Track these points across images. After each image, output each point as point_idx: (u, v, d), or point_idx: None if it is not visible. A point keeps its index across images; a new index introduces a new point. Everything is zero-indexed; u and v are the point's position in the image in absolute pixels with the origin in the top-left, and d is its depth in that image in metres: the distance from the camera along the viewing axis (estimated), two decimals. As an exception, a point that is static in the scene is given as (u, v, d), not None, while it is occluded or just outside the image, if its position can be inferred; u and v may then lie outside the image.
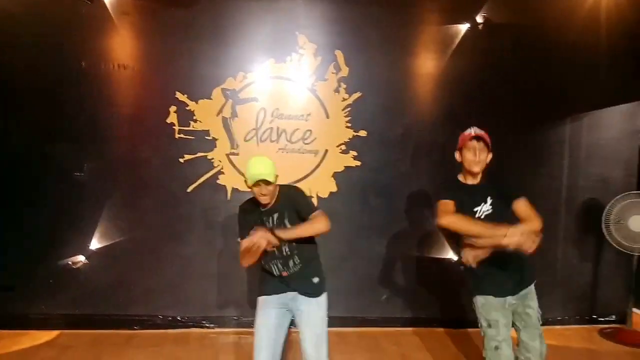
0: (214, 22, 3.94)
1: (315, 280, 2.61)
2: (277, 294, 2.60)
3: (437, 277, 4.26)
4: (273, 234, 2.38)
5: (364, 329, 4.21)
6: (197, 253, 4.04)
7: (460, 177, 2.69)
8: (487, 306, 2.59)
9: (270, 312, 2.58)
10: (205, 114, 3.98)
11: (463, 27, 4.14)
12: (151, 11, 3.94)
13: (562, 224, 4.44)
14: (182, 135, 3.97)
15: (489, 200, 2.57)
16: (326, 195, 4.15)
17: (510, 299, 2.59)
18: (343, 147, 4.13)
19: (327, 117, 4.11)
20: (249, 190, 2.52)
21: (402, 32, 4.14)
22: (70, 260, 3.95)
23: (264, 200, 2.49)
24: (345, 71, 4.07)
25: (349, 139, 4.13)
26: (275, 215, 2.55)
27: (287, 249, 2.54)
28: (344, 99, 4.10)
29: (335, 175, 4.15)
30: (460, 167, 2.67)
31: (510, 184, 2.70)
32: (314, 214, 2.52)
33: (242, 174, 3.97)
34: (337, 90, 4.09)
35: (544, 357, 2.66)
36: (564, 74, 4.27)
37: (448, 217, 2.48)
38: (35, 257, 3.93)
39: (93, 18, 3.85)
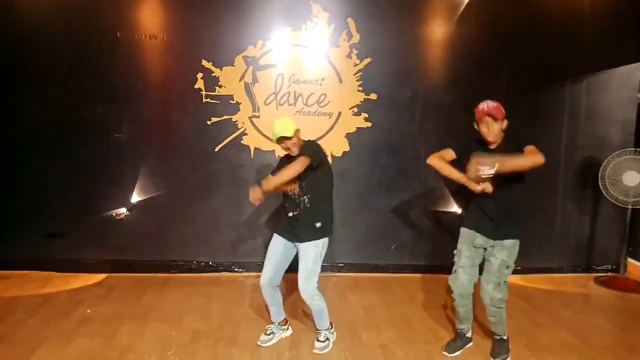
0: (234, -7, 4.24)
1: (318, 224, 3.04)
2: (285, 238, 3.10)
3: (441, 228, 4.60)
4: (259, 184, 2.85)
5: (375, 274, 4.61)
6: (225, 205, 4.45)
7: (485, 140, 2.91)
8: (462, 237, 3.05)
9: (279, 240, 3.12)
10: (229, 80, 4.33)
11: (468, -5, 4.37)
12: (178, -15, 4.26)
13: (562, 181, 4.71)
14: (208, 100, 4.33)
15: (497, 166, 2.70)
16: (340, 155, 4.50)
17: (479, 239, 2.96)
18: (355, 109, 4.45)
19: (340, 81, 4.42)
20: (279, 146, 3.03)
21: (409, 0, 4.38)
22: (113, 212, 4.43)
23: (290, 152, 3.00)
24: (356, 38, 4.35)
25: (361, 102, 4.44)
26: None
27: (299, 192, 3.01)
28: (356, 64, 4.39)
29: (348, 135, 4.48)
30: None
31: (520, 140, 2.87)
32: (297, 159, 2.90)
33: (265, 136, 4.40)
34: (349, 56, 4.38)
35: (495, 303, 2.95)
36: (563, 38, 4.47)
37: (431, 158, 2.98)
38: (82, 209, 4.40)
39: (126, -8, 4.19)
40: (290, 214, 3.04)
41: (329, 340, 3.21)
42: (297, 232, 3.05)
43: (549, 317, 3.78)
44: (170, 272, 4.48)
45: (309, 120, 4.42)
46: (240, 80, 4.35)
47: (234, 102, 4.36)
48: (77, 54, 4.24)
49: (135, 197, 4.43)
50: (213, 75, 4.31)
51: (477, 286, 3.06)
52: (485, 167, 2.65)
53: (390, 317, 3.71)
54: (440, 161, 2.96)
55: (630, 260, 4.70)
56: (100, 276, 4.38)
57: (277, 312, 3.27)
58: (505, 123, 2.91)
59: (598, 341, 3.39)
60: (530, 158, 2.71)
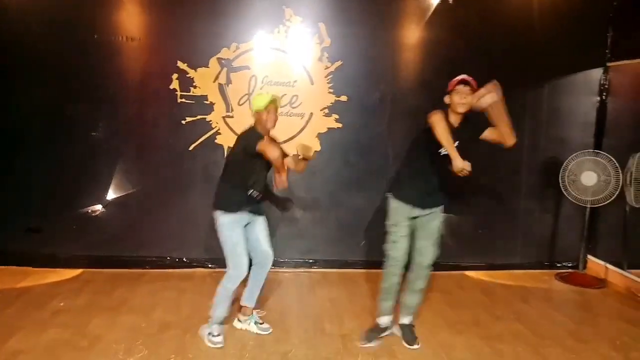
0: (208, -2, 4.38)
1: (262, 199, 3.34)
2: (244, 214, 3.23)
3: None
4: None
5: (344, 270, 4.77)
6: (199, 203, 4.57)
7: (448, 114, 3.02)
8: (398, 210, 3.20)
9: (239, 229, 3.20)
10: (204, 81, 4.46)
11: (435, 1, 4.53)
12: (154, -12, 4.40)
13: (525, 180, 4.91)
14: (183, 100, 4.45)
15: (456, 143, 2.92)
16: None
17: (416, 211, 3.16)
18: (326, 110, 4.61)
19: (312, 83, 4.57)
20: (260, 117, 3.12)
21: (379, 6, 4.53)
22: (89, 209, 4.55)
23: (273, 125, 3.17)
24: (327, 42, 4.50)
25: (331, 103, 4.60)
26: None
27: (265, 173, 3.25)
28: (327, 67, 4.55)
29: (320, 135, 4.63)
30: (447, 108, 3.06)
31: (476, 126, 3.09)
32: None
33: (235, 132, 4.51)
34: (320, 59, 4.53)
35: (431, 263, 3.26)
36: (526, 43, 4.66)
37: (437, 116, 2.92)
38: (60, 205, 4.51)
39: (104, -5, 4.32)
40: (256, 195, 3.22)
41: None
42: (259, 209, 3.32)
43: (506, 310, 3.96)
44: (144, 267, 4.60)
45: (281, 120, 4.34)
46: (214, 81, 4.48)
47: (208, 102, 4.50)
48: (57, 54, 4.34)
49: (111, 194, 4.55)
50: (188, 76, 4.44)
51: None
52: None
53: (353, 309, 3.87)
54: (445, 126, 2.88)
55: (589, 257, 4.91)
56: (76, 271, 4.49)
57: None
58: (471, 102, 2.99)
59: (548, 332, 3.58)
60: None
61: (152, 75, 4.47)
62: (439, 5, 4.54)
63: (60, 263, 4.52)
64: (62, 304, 3.77)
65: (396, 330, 3.40)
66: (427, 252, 3.22)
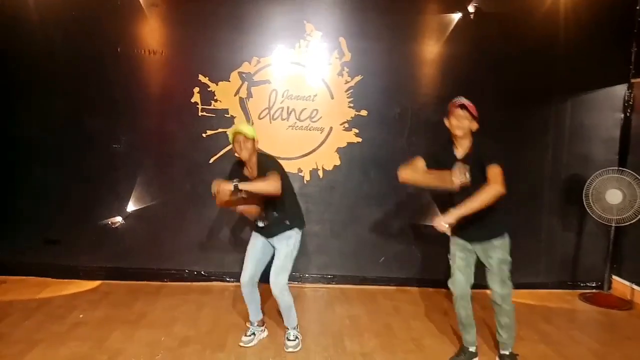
0: (232, 12, 4.41)
1: (287, 222, 3.28)
2: (262, 236, 3.32)
3: (428, 242, 4.68)
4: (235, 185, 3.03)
5: (363, 286, 4.71)
6: (218, 216, 4.58)
7: (453, 148, 3.03)
8: (452, 242, 3.19)
9: (258, 239, 3.32)
10: (225, 95, 4.48)
11: (456, 16, 4.51)
12: (177, 3, 4.45)
13: (547, 198, 4.82)
14: (204, 113, 4.48)
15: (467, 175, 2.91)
16: (331, 168, 4.63)
17: (469, 244, 3.12)
18: (346, 125, 4.59)
19: (332, 98, 4.57)
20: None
21: (400, 20, 4.53)
22: (109, 220, 4.56)
23: (247, 156, 3.13)
24: (348, 56, 4.51)
25: (351, 117, 4.59)
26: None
27: (265, 210, 3.26)
28: (347, 82, 4.55)
29: (339, 150, 4.62)
30: (450, 135, 3.05)
31: (487, 154, 2.91)
32: (270, 176, 3.07)
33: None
34: (340, 74, 4.54)
35: (505, 301, 3.10)
36: (549, 58, 4.60)
37: (402, 172, 3.05)
38: (79, 216, 4.54)
39: (126, 9, 4.36)
40: (261, 224, 3.27)
41: (298, 339, 3.38)
42: (270, 231, 3.30)
43: (530, 330, 3.86)
44: (163, 280, 4.60)
45: (301, 134, 4.57)
46: (235, 95, 4.50)
47: (229, 115, 4.51)
48: (79, 66, 4.41)
49: (131, 206, 4.57)
50: (209, 89, 4.47)
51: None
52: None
53: (374, 327, 3.81)
54: (412, 174, 3.05)
55: (614, 277, 4.79)
56: (95, 283, 4.50)
57: (256, 311, 3.45)
58: (475, 125, 2.99)
59: (574, 354, 3.48)
60: (490, 192, 2.81)
61: (174, 88, 4.50)
62: (460, 20, 4.53)
63: (79, 274, 4.55)
64: (81, 316, 3.77)
65: None
66: (493, 292, 3.10)
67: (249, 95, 4.51)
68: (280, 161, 4.44)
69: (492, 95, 4.61)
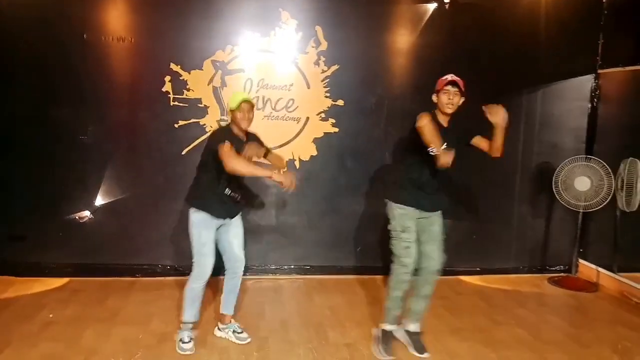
0: (203, -2, 4.28)
1: (243, 202, 3.29)
2: (220, 218, 3.14)
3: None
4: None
5: (340, 276, 4.70)
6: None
7: (435, 114, 3.06)
8: (405, 216, 3.12)
9: (212, 230, 3.12)
10: (197, 84, 4.35)
11: (431, 6, 4.54)
12: (147, -12, 4.27)
13: (518, 185, 4.94)
14: (176, 103, 4.33)
15: (446, 145, 2.90)
16: (307, 159, 4.58)
17: (421, 213, 3.13)
18: (322, 115, 4.55)
19: (308, 87, 4.51)
20: (234, 116, 3.04)
21: (377, 10, 4.50)
22: (77, 215, 4.37)
23: (247, 124, 3.06)
24: (324, 45, 4.45)
25: (328, 107, 4.55)
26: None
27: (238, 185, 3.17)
28: (323, 71, 4.50)
29: (316, 140, 4.57)
30: (435, 107, 3.11)
31: (468, 130, 3.15)
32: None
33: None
34: (317, 63, 4.48)
35: (440, 267, 3.21)
36: (520, 50, 4.70)
37: (425, 119, 2.83)
38: (45, 211, 4.32)
39: (94, -7, 4.16)
40: (235, 196, 3.14)
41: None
42: (234, 212, 3.21)
43: (505, 315, 3.96)
44: (135, 275, 4.45)
45: (277, 124, 4.50)
46: (208, 84, 4.38)
47: (202, 105, 4.38)
48: (44, 54, 4.18)
49: (100, 200, 4.39)
50: (181, 78, 4.32)
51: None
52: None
53: (355, 316, 3.81)
54: (432, 128, 2.82)
55: (581, 261, 4.97)
56: (63, 280, 4.31)
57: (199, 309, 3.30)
58: (462, 100, 3.07)
59: (550, 337, 3.59)
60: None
61: (144, 77, 4.33)
62: (435, 10, 4.55)
63: (46, 272, 4.34)
64: (51, 316, 3.60)
65: (401, 336, 3.35)
66: (435, 256, 3.18)
67: (223, 84, 4.39)
68: None
69: (466, 85, 4.65)
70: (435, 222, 3.20)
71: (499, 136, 3.01)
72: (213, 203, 3.08)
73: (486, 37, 4.64)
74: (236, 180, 3.15)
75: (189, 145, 4.40)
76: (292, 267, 4.72)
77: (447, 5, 4.53)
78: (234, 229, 3.24)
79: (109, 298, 3.98)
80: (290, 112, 4.51)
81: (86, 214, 4.40)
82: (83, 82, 4.24)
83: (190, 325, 3.21)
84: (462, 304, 4.19)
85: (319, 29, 4.43)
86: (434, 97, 3.08)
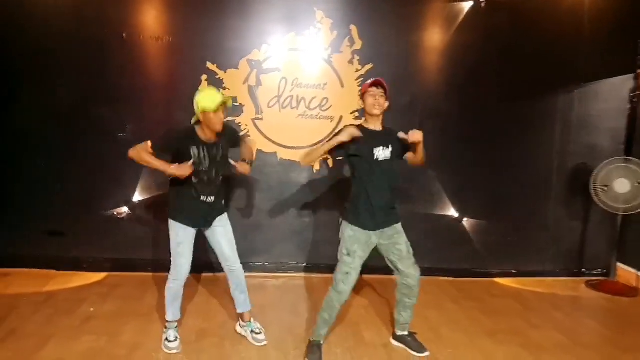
0: (240, -1, 4.31)
1: (222, 202, 3.26)
2: (198, 226, 3.14)
3: (439, 232, 4.75)
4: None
5: (375, 276, 4.54)
6: (228, 206, 4.50)
7: (363, 122, 3.04)
8: (353, 238, 2.98)
9: (189, 231, 3.12)
10: (233, 83, 4.39)
11: (467, 5, 4.49)
12: (185, -12, 4.32)
13: (554, 187, 4.85)
14: (212, 102, 4.40)
15: (390, 148, 2.98)
16: (340, 158, 4.58)
17: (374, 237, 3.02)
18: (356, 114, 4.53)
19: (342, 86, 4.51)
20: (207, 117, 2.88)
21: (411, 8, 4.48)
22: (115, 211, 4.46)
23: (219, 127, 2.94)
24: (359, 44, 4.45)
25: (362, 106, 4.52)
26: (216, 150, 3.04)
27: (215, 176, 3.07)
28: (357, 70, 4.49)
29: (349, 139, 4.58)
30: (362, 113, 3.11)
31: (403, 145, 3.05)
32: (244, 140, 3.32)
33: (267, 138, 4.46)
34: (351, 62, 4.47)
35: (418, 283, 3.12)
36: (557, 48, 4.61)
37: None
38: (84, 207, 4.42)
39: (133, -6, 4.23)
40: (208, 199, 3.09)
41: (263, 330, 3.33)
42: (213, 216, 3.17)
43: (542, 319, 3.90)
44: (169, 271, 4.50)
45: (311, 123, 4.51)
46: (244, 83, 4.41)
47: (238, 104, 4.42)
48: (83, 54, 4.26)
49: (137, 196, 4.47)
50: (217, 77, 4.36)
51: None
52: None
53: (390, 317, 3.79)
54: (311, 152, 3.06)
55: (619, 264, 4.85)
56: (101, 275, 4.40)
57: (180, 307, 3.30)
58: (387, 104, 3.01)
59: (588, 341, 3.53)
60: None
61: (181, 76, 4.39)
62: (470, 9, 4.50)
63: (84, 267, 4.44)
64: (92, 310, 3.68)
65: (397, 345, 3.33)
66: (412, 272, 3.09)
67: (258, 83, 4.43)
68: (290, 150, 4.49)
69: (501, 85, 4.64)
70: (398, 240, 3.06)
71: (419, 151, 3.03)
72: (186, 211, 3.07)
73: (522, 37, 4.57)
74: (211, 183, 3.09)
75: (224, 143, 4.42)
76: (325, 265, 4.72)
77: (482, 4, 4.48)
78: (220, 229, 3.21)
79: (147, 294, 4.04)
80: (324, 111, 4.52)
81: (124, 210, 4.48)
82: (121, 81, 4.32)
83: (175, 324, 3.24)
84: (497, 307, 4.14)
85: (353, 27, 4.42)
86: (359, 103, 3.07)
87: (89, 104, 4.33)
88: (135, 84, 4.35)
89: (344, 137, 2.83)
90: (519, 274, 4.82)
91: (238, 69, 4.39)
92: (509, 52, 4.57)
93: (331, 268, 4.58)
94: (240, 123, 4.43)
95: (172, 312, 3.21)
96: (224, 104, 2.92)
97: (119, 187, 4.44)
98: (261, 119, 4.46)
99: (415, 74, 4.59)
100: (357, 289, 4.35)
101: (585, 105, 4.78)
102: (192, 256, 3.16)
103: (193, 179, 2.99)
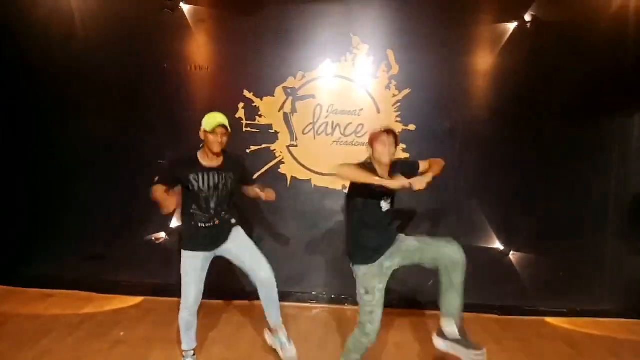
0: (277, 27, 4.36)
1: (233, 220, 3.23)
2: (207, 251, 3.11)
3: (480, 264, 4.44)
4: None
5: (412, 310, 4.44)
6: (261, 233, 4.48)
7: (375, 167, 2.91)
8: (368, 275, 2.86)
9: (197, 259, 3.12)
10: (269, 110, 4.42)
11: (511, 26, 4.29)
12: (223, 18, 4.43)
13: (611, 218, 4.49)
14: (248, 129, 4.42)
15: (388, 200, 2.92)
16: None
17: (387, 261, 2.89)
18: (393, 140, 4.42)
19: (378, 112, 4.42)
20: (207, 138, 2.98)
21: (450, 31, 4.34)
22: (153, 236, 4.56)
23: (218, 148, 2.94)
24: (395, 69, 4.36)
25: (399, 132, 4.38)
26: (218, 176, 3.02)
27: (216, 202, 3.07)
28: (394, 95, 4.39)
29: (386, 166, 4.45)
30: (369, 159, 2.97)
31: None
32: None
33: (302, 165, 4.42)
34: (388, 87, 4.38)
35: (463, 255, 2.81)
36: (610, 68, 4.30)
37: (343, 166, 2.82)
38: (124, 232, 4.56)
39: (174, 25, 4.37)
40: (210, 224, 3.07)
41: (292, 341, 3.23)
42: (222, 237, 3.12)
43: (596, 366, 3.54)
44: (206, 298, 4.51)
45: (346, 150, 4.43)
46: (279, 110, 4.43)
47: (273, 131, 4.44)
48: (125, 83, 4.45)
49: (175, 222, 4.53)
50: (254, 105, 4.41)
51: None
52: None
53: (424, 356, 3.57)
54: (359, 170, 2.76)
55: (687, 306, 4.36)
56: (138, 299, 4.47)
57: (195, 336, 3.28)
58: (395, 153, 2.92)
59: (650, 395, 3.14)
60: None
61: (219, 104, 4.36)
62: (515, 30, 4.29)
63: (123, 290, 4.53)
64: (122, 334, 3.72)
65: (449, 349, 2.95)
66: (443, 249, 2.82)
67: (294, 110, 4.42)
68: (325, 178, 4.42)
69: (549, 109, 4.38)
70: (404, 241, 2.95)
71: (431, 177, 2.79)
72: (193, 238, 3.10)
73: (571, 56, 4.31)
74: (212, 210, 3.07)
75: (260, 170, 4.45)
76: (351, 298, 4.55)
77: (528, 24, 4.26)
78: (233, 248, 3.19)
79: (177, 319, 4.04)
80: (360, 137, 4.43)
81: (162, 235, 4.56)
82: (162, 109, 4.46)
83: (192, 352, 3.24)
84: (545, 350, 3.80)
85: (390, 52, 4.34)
86: (368, 149, 2.96)
87: (131, 131, 4.49)
88: (175, 112, 4.48)
89: (395, 186, 2.70)
90: (572, 314, 4.41)
91: (274, 96, 4.42)
92: (557, 73, 4.33)
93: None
94: (275, 150, 4.43)
95: (187, 341, 3.22)
96: (222, 127, 2.95)
97: (157, 213, 4.48)
98: (296, 146, 4.44)
99: (455, 99, 4.43)
100: (390, 323, 4.18)
101: (646, 129, 4.41)
102: (202, 285, 3.16)
103: (193, 206, 3.04)
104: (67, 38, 4.43)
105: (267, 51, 4.38)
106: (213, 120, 2.95)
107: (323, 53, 4.38)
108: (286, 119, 4.43)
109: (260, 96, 4.41)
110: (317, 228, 4.53)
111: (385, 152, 2.86)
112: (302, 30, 4.38)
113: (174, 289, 4.44)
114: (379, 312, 2.86)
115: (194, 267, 3.10)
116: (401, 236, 3.01)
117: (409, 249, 2.92)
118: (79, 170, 4.55)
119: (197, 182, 2.99)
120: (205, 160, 3.03)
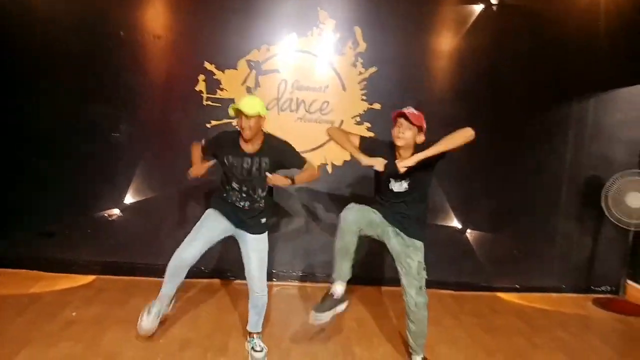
0: (242, -4, 4.17)
1: (263, 220, 3.11)
2: (230, 220, 3.04)
3: (441, 244, 4.52)
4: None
5: (371, 287, 4.50)
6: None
7: (396, 153, 2.92)
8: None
9: (220, 223, 3.07)
10: (231, 83, 4.26)
11: (478, 8, 4.31)
12: (184, -16, 4.20)
13: (564, 200, 4.66)
14: (209, 103, 4.25)
15: (400, 181, 2.90)
16: (340, 164, 4.42)
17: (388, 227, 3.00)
18: (358, 118, 4.38)
19: (344, 89, 4.36)
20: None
21: (418, 10, 4.31)
22: (106, 213, 4.35)
23: (246, 134, 2.86)
24: (362, 47, 4.29)
25: (364, 111, 4.38)
26: (252, 160, 2.94)
27: (246, 188, 2.99)
28: (361, 73, 4.33)
29: (349, 144, 4.41)
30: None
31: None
32: (306, 165, 3.09)
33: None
34: (354, 65, 4.32)
35: (419, 308, 2.94)
36: (572, 55, 4.42)
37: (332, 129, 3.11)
38: (74, 208, 4.30)
39: (131, -10, 4.12)
40: (241, 205, 3.01)
41: (265, 349, 3.10)
42: (247, 222, 3.04)
43: (546, 338, 3.70)
44: (161, 276, 4.32)
45: (310, 127, 4.36)
46: (242, 84, 4.28)
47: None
48: (79, 52, 4.15)
49: (129, 198, 4.35)
50: (215, 77, 4.24)
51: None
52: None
53: (382, 331, 3.62)
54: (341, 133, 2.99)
55: (630, 282, 4.63)
56: (89, 278, 4.26)
57: (174, 302, 3.26)
58: (422, 138, 2.87)
59: (596, 365, 3.32)
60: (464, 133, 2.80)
61: (178, 75, 4.28)
62: (481, 12, 4.32)
63: (73, 269, 4.30)
64: (74, 314, 3.55)
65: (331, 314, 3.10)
66: (408, 294, 3.02)
67: (257, 84, 4.29)
68: None
69: (511, 91, 4.46)
70: (410, 254, 3.00)
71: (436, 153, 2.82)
72: (220, 199, 3.08)
73: (535, 41, 4.39)
74: (243, 193, 3.01)
75: (221, 145, 4.30)
76: (319, 274, 4.56)
77: (494, 7, 4.29)
78: (247, 245, 3.08)
79: (132, 298, 3.89)
80: (325, 114, 4.37)
81: (115, 211, 4.36)
82: (117, 80, 4.20)
83: (164, 301, 3.20)
84: (499, 324, 3.95)
85: (357, 29, 4.27)
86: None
87: (83, 103, 4.21)
88: (131, 83, 4.23)
89: (377, 166, 2.76)
90: (524, 289, 4.61)
91: (237, 69, 4.26)
92: (521, 57, 4.39)
93: (324, 278, 4.50)
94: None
95: (165, 289, 3.16)
96: (239, 111, 2.83)
97: (111, 188, 4.33)
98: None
99: (421, 79, 4.43)
100: (352, 300, 4.20)
101: (600, 114, 4.60)
102: (201, 249, 3.07)
103: (227, 185, 3.01)
104: (20, 8, 4.08)
105: (230, 22, 4.20)
106: (235, 105, 2.87)
107: (289, 27, 4.25)
108: (249, 93, 4.30)
109: (222, 69, 4.24)
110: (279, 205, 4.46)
111: (399, 136, 2.82)
112: (268, 1, 4.23)
113: (128, 268, 4.34)
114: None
115: (211, 227, 3.04)
116: (396, 232, 3.01)
117: (392, 246, 3.00)
118: (28, 142, 4.23)
119: (231, 163, 2.94)
120: (243, 143, 2.94)
